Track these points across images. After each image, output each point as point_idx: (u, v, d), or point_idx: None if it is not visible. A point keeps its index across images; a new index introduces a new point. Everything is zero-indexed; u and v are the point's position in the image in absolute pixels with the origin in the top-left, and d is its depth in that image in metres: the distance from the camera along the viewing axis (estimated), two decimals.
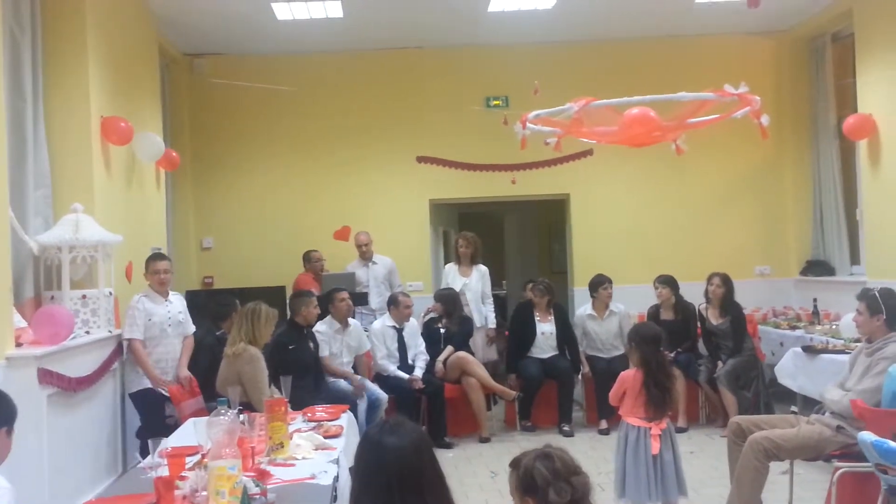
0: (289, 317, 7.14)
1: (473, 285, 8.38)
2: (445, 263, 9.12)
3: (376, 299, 8.60)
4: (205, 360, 6.36)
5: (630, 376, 4.80)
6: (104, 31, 6.51)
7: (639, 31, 9.23)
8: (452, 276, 8.44)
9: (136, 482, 3.56)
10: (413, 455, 2.36)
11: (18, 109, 5.57)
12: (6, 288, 4.84)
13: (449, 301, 8.00)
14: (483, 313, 8.39)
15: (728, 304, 7.71)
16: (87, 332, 5.62)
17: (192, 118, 9.46)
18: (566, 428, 7.72)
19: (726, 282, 7.74)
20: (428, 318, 8.18)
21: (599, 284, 8.09)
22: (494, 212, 12.95)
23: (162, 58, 8.48)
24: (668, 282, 7.98)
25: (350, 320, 7.45)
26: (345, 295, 7.38)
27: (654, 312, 8.02)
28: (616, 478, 4.76)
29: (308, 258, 8.89)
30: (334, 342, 7.26)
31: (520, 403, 7.87)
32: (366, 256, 8.80)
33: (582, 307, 8.34)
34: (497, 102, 9.40)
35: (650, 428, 4.65)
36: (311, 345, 6.89)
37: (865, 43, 7.92)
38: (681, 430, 7.40)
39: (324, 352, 7.11)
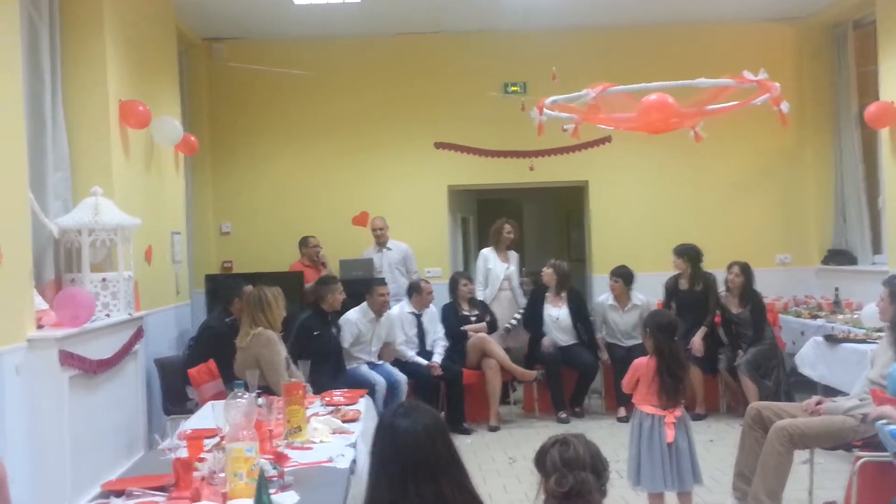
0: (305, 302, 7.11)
1: (514, 271, 8.47)
2: (464, 249, 9.08)
3: (390, 285, 8.57)
4: (214, 346, 6.33)
5: (643, 364, 4.76)
6: (122, 16, 6.52)
7: (657, 17, 9.13)
8: (494, 263, 8.42)
9: (155, 463, 3.58)
10: (426, 439, 2.35)
11: (37, 93, 5.59)
12: (27, 270, 4.87)
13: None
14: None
15: (748, 293, 7.65)
16: (108, 315, 5.64)
17: (211, 102, 9.44)
18: (563, 415, 7.72)
19: (745, 271, 7.67)
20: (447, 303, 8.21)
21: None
22: (513, 198, 12.90)
23: (180, 42, 8.48)
24: (681, 252, 7.91)
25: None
26: (384, 290, 7.39)
27: (672, 282, 7.97)
28: (630, 466, 4.73)
29: (305, 243, 8.75)
30: (367, 331, 7.25)
31: (552, 394, 7.84)
32: (380, 241, 8.77)
33: (603, 295, 8.30)
34: (515, 88, 9.33)
35: (664, 416, 4.63)
36: (334, 330, 6.89)
37: (888, 30, 7.80)
38: (699, 418, 7.38)
39: (345, 342, 7.11)
